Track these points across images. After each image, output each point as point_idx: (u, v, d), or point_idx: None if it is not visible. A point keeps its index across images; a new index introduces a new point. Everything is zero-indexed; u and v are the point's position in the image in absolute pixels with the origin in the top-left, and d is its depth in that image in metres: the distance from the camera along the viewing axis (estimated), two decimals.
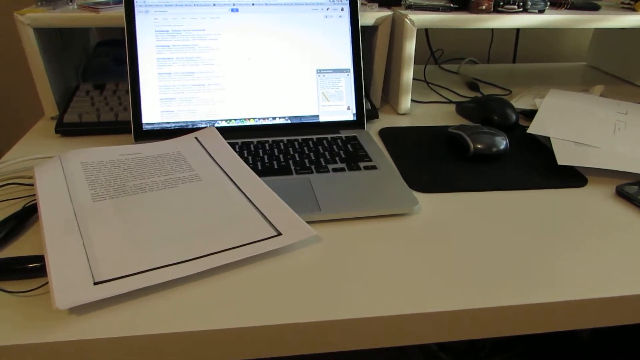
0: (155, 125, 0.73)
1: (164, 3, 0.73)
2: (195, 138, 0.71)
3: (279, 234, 0.52)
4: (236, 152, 0.69)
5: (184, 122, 0.74)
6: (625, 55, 1.11)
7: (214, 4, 0.74)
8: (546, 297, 0.46)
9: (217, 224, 0.53)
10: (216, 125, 0.75)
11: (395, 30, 0.86)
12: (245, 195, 0.58)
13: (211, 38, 0.74)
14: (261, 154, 0.70)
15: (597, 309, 0.47)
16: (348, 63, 0.79)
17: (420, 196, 0.62)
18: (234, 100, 0.75)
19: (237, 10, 0.75)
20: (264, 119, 0.76)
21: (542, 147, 0.76)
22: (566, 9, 0.89)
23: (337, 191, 0.61)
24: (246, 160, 0.67)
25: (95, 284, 0.44)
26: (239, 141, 0.73)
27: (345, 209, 0.57)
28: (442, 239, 0.54)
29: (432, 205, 0.60)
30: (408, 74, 0.86)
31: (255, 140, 0.74)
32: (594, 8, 0.88)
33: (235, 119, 0.75)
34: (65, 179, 0.59)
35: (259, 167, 0.66)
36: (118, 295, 0.44)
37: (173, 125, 0.73)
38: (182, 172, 0.62)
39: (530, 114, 0.86)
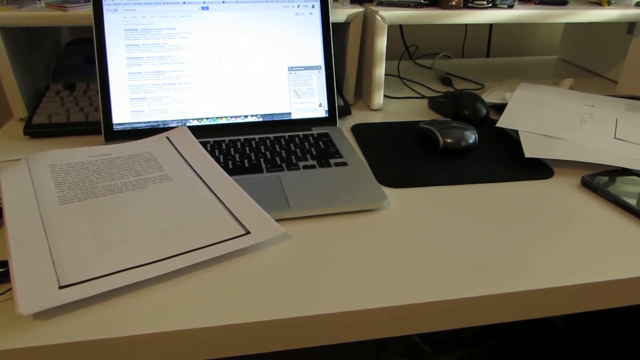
0: (126, 126, 0.72)
1: (133, 1, 0.72)
2: (167, 138, 0.71)
3: (248, 232, 0.52)
4: (208, 151, 0.69)
5: (155, 121, 0.73)
6: (594, 49, 1.13)
7: (184, 2, 0.74)
8: (518, 285, 0.47)
9: (187, 224, 0.53)
10: (188, 124, 0.75)
11: (367, 26, 0.86)
12: (215, 195, 0.58)
13: (181, 36, 0.74)
14: (232, 153, 0.70)
15: (567, 296, 0.48)
16: (319, 60, 0.79)
17: (389, 191, 0.63)
18: (205, 99, 0.75)
19: (207, 8, 0.74)
20: (235, 117, 0.76)
21: (511, 140, 0.77)
22: (535, 4, 0.90)
23: (307, 188, 0.61)
24: (217, 159, 0.67)
25: (60, 287, 0.44)
26: (211, 140, 0.73)
27: (314, 206, 0.58)
28: (411, 233, 0.55)
29: (401, 200, 0.61)
30: (380, 70, 0.87)
31: (227, 139, 0.74)
32: (562, 3, 0.90)
33: (207, 118, 0.75)
34: (32, 182, 0.58)
35: (230, 166, 0.66)
36: (86, 298, 0.43)
37: (144, 125, 0.73)
38: (152, 173, 0.62)
39: (500, 108, 0.88)
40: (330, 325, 0.45)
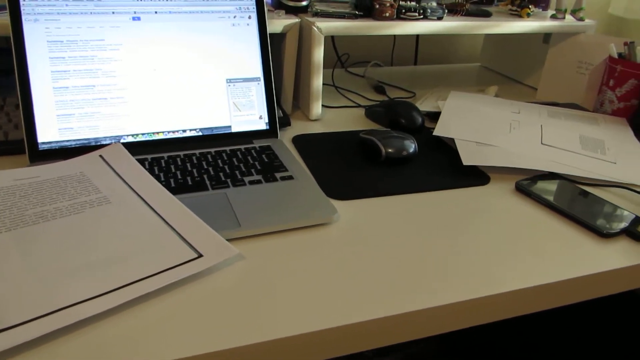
0: (53, 145, 0.67)
1: (56, 11, 0.68)
2: (100, 156, 0.67)
3: (200, 255, 0.50)
4: (146, 168, 0.66)
5: (85, 139, 0.69)
6: (513, 57, 1.21)
7: (113, 12, 0.70)
8: (470, 293, 0.49)
9: (132, 251, 0.50)
10: (122, 141, 0.71)
11: (303, 37, 0.86)
12: (160, 216, 0.55)
13: (112, 48, 0.70)
14: (173, 170, 0.67)
15: (508, 300, 0.51)
16: (258, 71, 0.78)
17: (337, 204, 0.63)
18: (140, 114, 0.71)
19: (139, 18, 0.71)
20: (173, 132, 0.73)
21: (447, 147, 0.80)
22: (462, 15, 0.94)
23: (256, 205, 0.60)
24: (157, 178, 0.64)
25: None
26: (149, 157, 0.70)
27: (265, 224, 0.56)
28: (362, 247, 0.55)
29: (350, 212, 0.62)
30: (318, 81, 0.87)
31: (165, 155, 0.71)
32: (486, 15, 0.95)
33: (142, 134, 0.72)
34: None
35: (172, 184, 0.63)
36: (22, 344, 0.40)
37: (74, 143, 0.68)
38: (88, 195, 0.58)
39: (434, 116, 0.91)
40: (290, 348, 0.44)
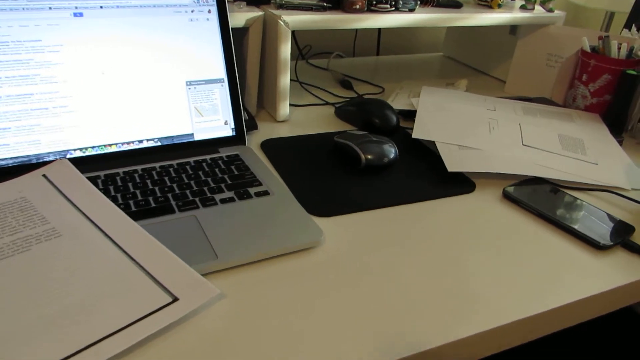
0: None
1: None
2: (44, 176, 0.58)
3: (175, 299, 0.43)
4: (100, 188, 0.57)
5: (25, 156, 0.60)
6: (478, 47, 1.18)
7: (50, 7, 0.60)
8: (475, 322, 0.45)
9: (94, 298, 0.43)
10: (69, 156, 0.62)
11: (268, 31, 0.79)
12: (123, 251, 0.48)
13: (51, 50, 0.60)
14: (131, 189, 0.59)
15: (507, 332, 0.47)
16: (221, 72, 0.70)
17: (320, 222, 0.57)
18: (88, 124, 0.63)
19: (81, 14, 0.62)
20: (128, 143, 0.65)
21: (426, 150, 0.76)
22: (432, 6, 0.89)
23: (232, 229, 0.53)
24: (114, 199, 0.56)
25: None
26: (101, 174, 0.61)
27: (246, 253, 0.50)
28: (351, 272, 0.50)
29: (334, 231, 0.56)
30: (285, 79, 0.80)
31: (121, 170, 0.62)
32: (457, 6, 0.90)
33: (92, 147, 0.63)
34: None
35: (132, 207, 0.56)
36: None
37: (11, 162, 0.59)
38: (33, 228, 0.50)
39: (407, 114, 0.87)
40: None
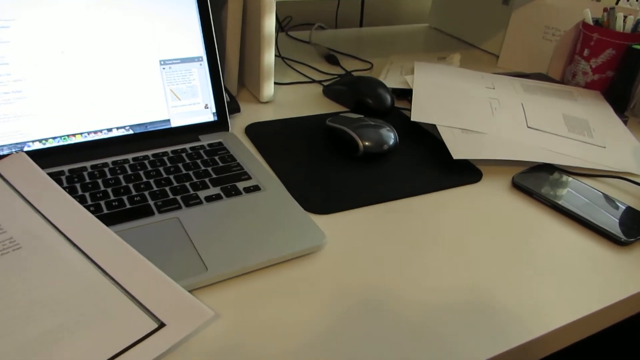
0: None
1: None
2: None
3: (162, 325, 0.37)
4: (64, 187, 0.50)
5: None
6: (467, 18, 1.12)
7: None
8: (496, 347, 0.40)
9: (61, 328, 0.36)
10: (26, 149, 0.54)
11: (249, 3, 0.71)
12: (97, 265, 0.41)
13: (0, 26, 0.51)
14: (102, 186, 0.51)
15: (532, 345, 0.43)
16: (199, 49, 0.62)
17: (319, 220, 0.51)
18: (48, 112, 0.54)
19: None
20: (95, 132, 0.57)
21: (425, 133, 0.70)
22: None
23: (222, 234, 0.47)
24: (82, 200, 0.49)
25: None
26: (65, 169, 0.53)
27: (239, 262, 0.44)
28: (357, 278, 0.44)
29: (336, 231, 0.50)
30: (269, 56, 0.72)
31: (88, 164, 0.54)
32: None
33: (53, 137, 0.55)
34: None
35: (104, 209, 0.48)
36: None
37: None
38: None
39: (401, 93, 0.80)
40: None
